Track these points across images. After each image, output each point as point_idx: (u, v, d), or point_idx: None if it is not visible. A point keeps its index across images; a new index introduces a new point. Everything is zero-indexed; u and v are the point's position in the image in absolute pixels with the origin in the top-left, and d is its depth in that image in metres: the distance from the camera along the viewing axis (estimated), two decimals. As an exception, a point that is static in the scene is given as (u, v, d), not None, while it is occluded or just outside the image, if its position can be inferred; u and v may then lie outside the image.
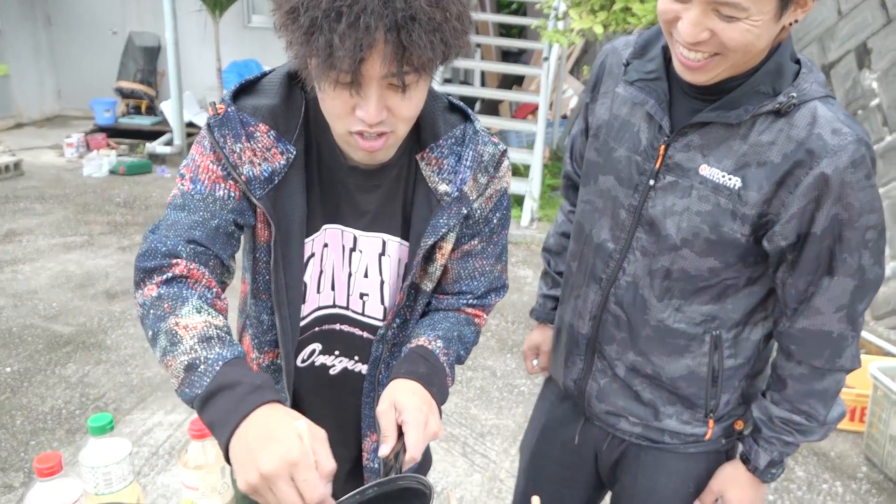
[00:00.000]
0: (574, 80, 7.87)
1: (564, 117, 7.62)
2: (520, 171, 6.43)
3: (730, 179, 1.14)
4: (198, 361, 0.89)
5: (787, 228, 1.13)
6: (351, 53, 0.87)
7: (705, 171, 1.16)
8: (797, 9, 1.05)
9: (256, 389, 0.87)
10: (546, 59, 5.77)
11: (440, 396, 1.07)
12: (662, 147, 1.20)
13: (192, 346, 0.91)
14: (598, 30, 4.59)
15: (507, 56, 8.80)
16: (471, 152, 1.12)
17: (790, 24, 1.08)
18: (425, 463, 1.39)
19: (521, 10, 8.80)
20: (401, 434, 0.98)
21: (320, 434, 0.86)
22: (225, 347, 0.92)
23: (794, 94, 1.10)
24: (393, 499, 0.90)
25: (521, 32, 8.74)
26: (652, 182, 1.22)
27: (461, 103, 1.17)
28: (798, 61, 1.16)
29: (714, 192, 1.15)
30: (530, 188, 5.77)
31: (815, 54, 5.06)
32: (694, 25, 1.03)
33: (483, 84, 8.18)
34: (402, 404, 1.00)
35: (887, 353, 3.81)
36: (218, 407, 0.86)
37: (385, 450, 0.97)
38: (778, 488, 2.85)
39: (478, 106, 7.78)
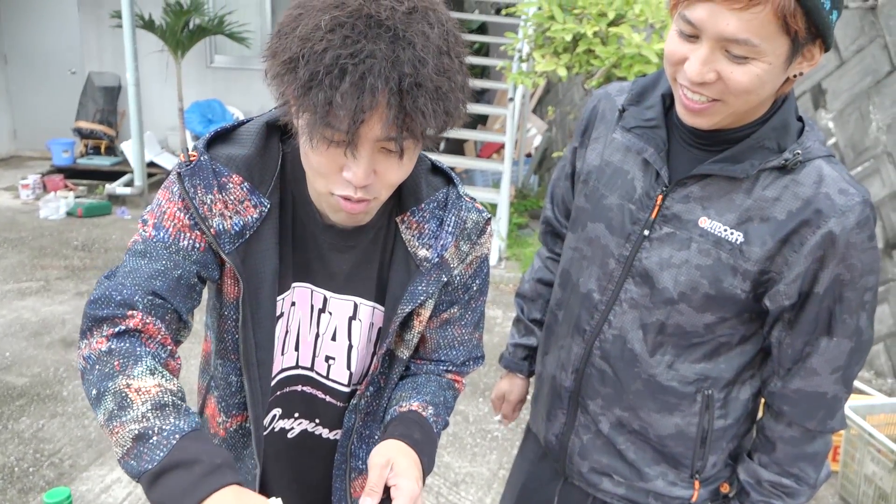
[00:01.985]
0: (537, 119, 7.96)
1: (528, 156, 7.69)
2: (487, 210, 6.45)
3: (731, 234, 1.12)
4: (150, 432, 0.82)
5: (791, 288, 1.11)
6: (351, 114, 0.82)
7: (705, 223, 1.14)
8: (803, 61, 1.03)
9: (216, 469, 0.80)
10: (511, 99, 5.82)
11: (427, 467, 1.03)
12: (660, 197, 1.17)
13: (144, 413, 0.83)
14: (562, 72, 4.65)
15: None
16: (453, 218, 1.08)
17: (794, 78, 1.07)
18: None
19: (484, 51, 8.92)
20: (386, 495, 0.94)
21: None
22: (181, 418, 0.84)
23: (800, 152, 1.09)
24: None
25: (483, 72, 8.84)
26: (647, 232, 1.18)
27: (444, 166, 1.13)
28: (800, 118, 1.15)
29: (715, 246, 1.13)
30: (497, 227, 5.77)
31: (773, 95, 5.21)
32: (703, 64, 1.01)
33: (448, 123, 8.22)
34: (400, 468, 0.96)
35: (856, 390, 3.85)
36: (172, 486, 0.79)
37: (370, 503, 0.93)
38: (755, 532, 2.83)
39: (443, 145, 7.81)
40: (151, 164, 7.34)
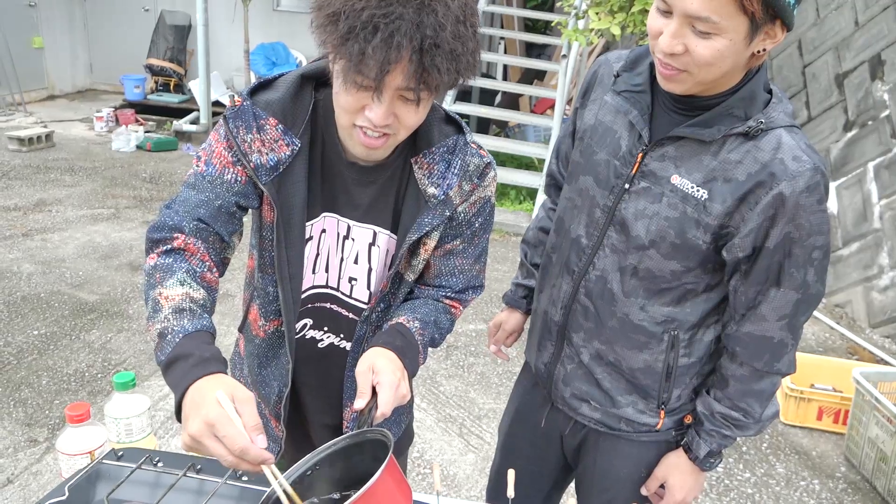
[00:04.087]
0: (595, 76, 7.93)
1: (583, 113, 7.69)
2: (534, 165, 6.54)
3: (698, 191, 1.26)
4: (167, 331, 1.03)
5: (745, 241, 1.25)
6: (379, 65, 1.00)
7: (676, 180, 1.28)
8: (766, 38, 1.16)
9: (203, 362, 1.00)
10: (565, 56, 5.86)
11: (411, 368, 1.21)
12: (640, 155, 1.32)
13: (167, 315, 1.05)
14: (616, 31, 4.69)
15: (532, 49, 8.87)
16: (459, 161, 1.24)
17: (760, 53, 1.19)
18: (406, 438, 1.54)
19: (549, 6, 8.88)
20: (374, 394, 1.11)
21: (244, 396, 0.97)
22: (192, 321, 1.04)
23: (763, 121, 1.22)
24: (362, 450, 1.04)
25: (546, 26, 8.81)
26: (627, 186, 1.33)
27: (456, 116, 1.30)
28: (770, 91, 1.28)
29: (682, 201, 1.27)
30: (543, 182, 5.88)
31: (830, 63, 5.12)
32: (672, 37, 1.15)
33: (505, 77, 8.27)
34: (378, 367, 1.13)
35: (881, 361, 3.91)
36: (174, 374, 1.00)
37: (360, 403, 1.10)
38: (757, 483, 2.99)
39: (498, 98, 7.89)
40: (217, 104, 7.62)
